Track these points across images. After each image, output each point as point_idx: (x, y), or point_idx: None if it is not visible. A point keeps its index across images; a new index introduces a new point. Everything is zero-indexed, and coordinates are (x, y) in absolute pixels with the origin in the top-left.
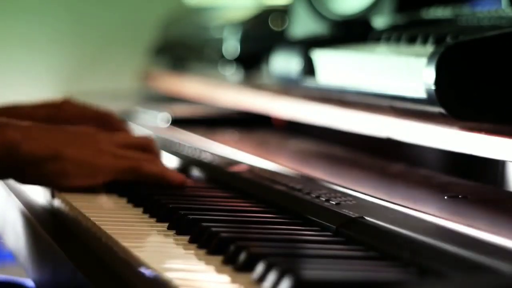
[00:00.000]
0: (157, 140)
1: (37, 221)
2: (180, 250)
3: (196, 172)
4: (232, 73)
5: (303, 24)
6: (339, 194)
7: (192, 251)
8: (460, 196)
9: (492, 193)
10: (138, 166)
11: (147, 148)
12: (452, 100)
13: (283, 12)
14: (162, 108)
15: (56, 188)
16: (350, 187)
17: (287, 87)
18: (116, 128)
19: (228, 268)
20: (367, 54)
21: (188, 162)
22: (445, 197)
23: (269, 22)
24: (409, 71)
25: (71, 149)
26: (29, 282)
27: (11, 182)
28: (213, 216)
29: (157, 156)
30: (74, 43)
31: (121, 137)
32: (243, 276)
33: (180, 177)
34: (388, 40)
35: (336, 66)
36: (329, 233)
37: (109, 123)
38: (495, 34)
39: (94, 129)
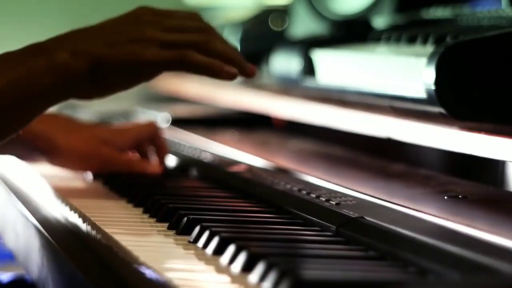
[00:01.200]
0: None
1: (38, 221)
2: (180, 250)
3: (196, 172)
4: None
5: (303, 24)
6: (339, 194)
7: (192, 251)
8: (460, 196)
9: (492, 193)
10: (184, 57)
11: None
12: (452, 100)
13: (283, 12)
14: (162, 108)
15: (108, 96)
16: (350, 187)
17: (287, 87)
18: None
19: (229, 268)
20: (367, 54)
21: (188, 162)
22: (445, 197)
23: (269, 22)
24: (409, 71)
25: (111, 50)
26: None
27: (12, 182)
28: (213, 216)
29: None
30: None
31: (167, 22)
32: (243, 276)
33: (231, 70)
34: (388, 40)
35: (336, 66)
36: (329, 233)
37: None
38: (495, 34)
39: (130, 14)
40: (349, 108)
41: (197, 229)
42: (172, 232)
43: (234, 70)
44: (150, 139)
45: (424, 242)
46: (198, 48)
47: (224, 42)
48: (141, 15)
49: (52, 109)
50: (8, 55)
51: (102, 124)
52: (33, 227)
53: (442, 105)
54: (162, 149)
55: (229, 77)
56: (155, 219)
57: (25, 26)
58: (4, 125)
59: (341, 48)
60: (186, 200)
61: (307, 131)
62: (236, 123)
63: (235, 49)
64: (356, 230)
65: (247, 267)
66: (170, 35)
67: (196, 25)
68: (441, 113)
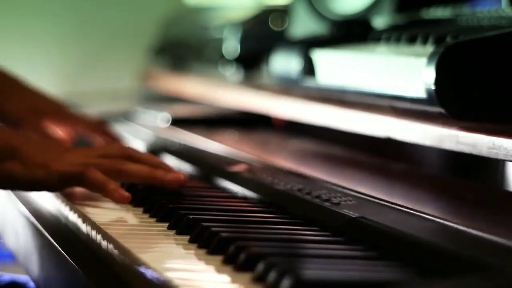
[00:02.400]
0: (152, 141)
1: (38, 221)
2: (180, 250)
3: (196, 172)
4: (232, 73)
5: (303, 24)
6: (339, 194)
7: (192, 251)
8: (460, 196)
9: (492, 193)
10: (85, 174)
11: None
12: (452, 100)
13: (283, 12)
14: (162, 108)
15: (11, 190)
16: (350, 187)
17: (287, 87)
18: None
19: (228, 268)
20: (367, 54)
21: (187, 162)
22: (445, 197)
23: (269, 22)
24: (409, 71)
25: (28, 148)
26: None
27: None
28: (213, 216)
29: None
30: (74, 43)
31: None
32: (243, 276)
33: (124, 194)
34: (388, 40)
35: (336, 66)
36: (329, 233)
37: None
38: (495, 34)
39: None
40: (349, 108)
41: (197, 229)
42: (172, 232)
43: (125, 194)
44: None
45: (424, 242)
46: (110, 170)
47: (146, 160)
48: (68, 147)
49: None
50: None
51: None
52: (33, 227)
53: (442, 105)
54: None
55: (122, 199)
56: (155, 219)
57: (26, 25)
58: None
59: (341, 48)
60: (186, 200)
61: (307, 131)
62: (236, 123)
63: (158, 165)
64: (356, 230)
65: (247, 267)
66: (84, 158)
67: (119, 151)
68: (441, 113)
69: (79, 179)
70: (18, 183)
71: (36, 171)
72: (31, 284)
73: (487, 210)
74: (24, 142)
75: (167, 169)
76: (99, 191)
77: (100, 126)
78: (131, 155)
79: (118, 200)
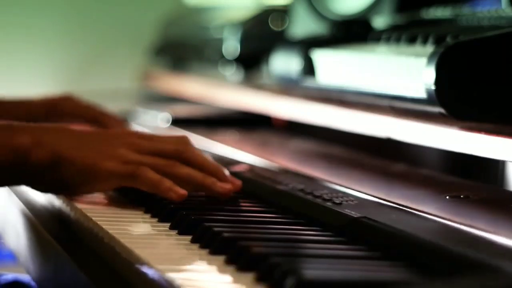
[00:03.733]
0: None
1: (39, 221)
2: (182, 250)
3: None
4: (232, 73)
5: (303, 24)
6: (340, 194)
7: (194, 251)
8: (462, 196)
9: (492, 193)
10: (137, 173)
11: (180, 153)
12: (452, 100)
13: (283, 12)
14: (162, 108)
15: (60, 195)
16: (351, 187)
17: (287, 87)
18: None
19: (231, 268)
20: (367, 54)
21: None
22: (446, 197)
23: (269, 22)
24: (409, 71)
25: (74, 153)
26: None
27: None
28: (215, 216)
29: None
30: (74, 43)
31: (145, 144)
32: (246, 276)
33: (179, 191)
34: (388, 40)
35: (336, 66)
36: (330, 233)
37: (106, 125)
38: (495, 34)
39: (118, 130)
40: (349, 108)
41: (199, 229)
42: (174, 232)
43: (182, 191)
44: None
45: (425, 242)
46: (159, 171)
47: (200, 163)
48: (123, 135)
49: None
50: None
51: None
52: (34, 227)
53: (442, 105)
54: None
55: (177, 197)
56: (157, 219)
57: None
58: None
59: (341, 48)
60: (187, 200)
61: (307, 131)
62: (236, 123)
63: (212, 170)
64: (358, 230)
65: (250, 267)
66: (136, 155)
67: (173, 149)
68: (441, 113)
69: (132, 178)
70: (70, 188)
71: (85, 174)
72: (34, 283)
73: (488, 210)
74: (70, 145)
75: (221, 176)
76: (153, 190)
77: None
78: (186, 158)
79: (175, 198)
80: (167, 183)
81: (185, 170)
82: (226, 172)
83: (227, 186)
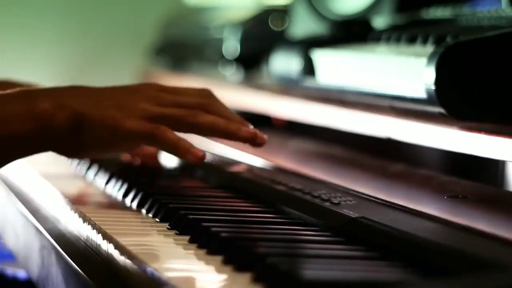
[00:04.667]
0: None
1: (38, 221)
2: (180, 250)
3: (196, 172)
4: (232, 73)
5: (303, 24)
6: (339, 194)
7: (192, 251)
8: (460, 196)
9: (492, 193)
10: (156, 133)
11: (205, 97)
12: (452, 100)
13: (283, 12)
14: None
15: (85, 158)
16: (350, 187)
17: (287, 87)
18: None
19: (228, 268)
20: (367, 54)
21: (188, 162)
22: (445, 197)
23: (269, 22)
24: (409, 71)
25: (95, 112)
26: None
27: (12, 182)
28: (213, 216)
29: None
30: (74, 43)
31: (170, 86)
32: (243, 276)
33: (198, 153)
34: (388, 40)
35: (336, 66)
36: (329, 233)
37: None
38: (495, 34)
39: (135, 84)
40: (349, 108)
41: (197, 229)
42: (172, 232)
43: (200, 152)
44: None
45: (424, 242)
46: (182, 122)
47: (224, 114)
48: (144, 89)
49: None
50: None
51: None
52: (33, 227)
53: (442, 105)
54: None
55: (195, 158)
56: (155, 219)
57: (25, 25)
58: None
59: (341, 48)
60: (186, 200)
61: (307, 131)
62: None
63: (236, 120)
64: (356, 230)
65: (247, 267)
66: (157, 108)
67: (196, 102)
68: (441, 113)
69: (151, 137)
70: (93, 150)
71: (106, 135)
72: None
73: (487, 210)
74: (91, 105)
75: (246, 126)
76: (170, 151)
77: None
78: (209, 110)
79: (192, 160)
80: (186, 144)
81: (209, 118)
82: (251, 126)
83: (251, 130)
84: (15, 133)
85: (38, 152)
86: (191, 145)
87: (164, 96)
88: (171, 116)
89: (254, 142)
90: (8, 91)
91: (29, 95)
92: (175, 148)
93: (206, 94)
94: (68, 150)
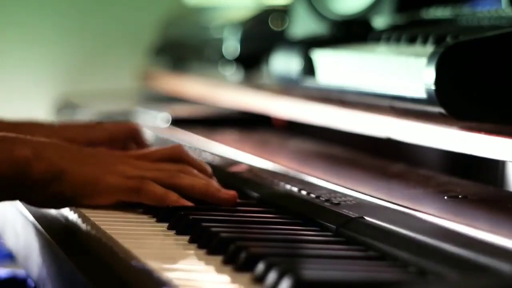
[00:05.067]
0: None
1: (38, 221)
2: (180, 250)
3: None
4: (232, 73)
5: (303, 24)
6: (339, 194)
7: (192, 251)
8: (460, 196)
9: (492, 193)
10: (142, 187)
11: (176, 158)
12: (452, 100)
13: (283, 12)
14: (162, 108)
15: (60, 209)
16: (350, 187)
17: (287, 87)
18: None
19: (228, 268)
20: (367, 54)
21: None
22: (445, 197)
23: (269, 22)
24: (409, 71)
25: (76, 167)
26: (30, 281)
27: None
28: (213, 216)
29: (192, 165)
30: (74, 43)
31: (143, 152)
32: (243, 276)
33: (187, 203)
34: (388, 40)
35: (336, 66)
36: (329, 233)
37: (137, 137)
38: (495, 34)
39: (114, 150)
40: (349, 108)
41: (197, 229)
42: (172, 232)
43: (189, 204)
44: (129, 138)
45: (424, 242)
46: (162, 183)
47: (195, 175)
48: (121, 155)
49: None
50: None
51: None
52: (33, 227)
53: (442, 105)
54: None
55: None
56: (155, 220)
57: (25, 25)
58: None
59: (341, 48)
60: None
61: (307, 131)
62: (236, 123)
63: (208, 174)
64: (356, 230)
65: (247, 267)
66: (137, 171)
67: (168, 153)
68: (441, 113)
69: (136, 192)
70: (70, 202)
71: (87, 188)
72: (30, 280)
73: (487, 210)
74: (71, 160)
75: (212, 177)
76: (159, 204)
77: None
78: (183, 159)
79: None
80: (173, 196)
81: (188, 181)
82: (214, 180)
83: (231, 192)
84: None
85: (12, 200)
86: (178, 197)
87: (140, 160)
88: (151, 178)
89: (229, 204)
90: None
91: (10, 140)
92: (163, 201)
93: (178, 147)
94: (42, 201)
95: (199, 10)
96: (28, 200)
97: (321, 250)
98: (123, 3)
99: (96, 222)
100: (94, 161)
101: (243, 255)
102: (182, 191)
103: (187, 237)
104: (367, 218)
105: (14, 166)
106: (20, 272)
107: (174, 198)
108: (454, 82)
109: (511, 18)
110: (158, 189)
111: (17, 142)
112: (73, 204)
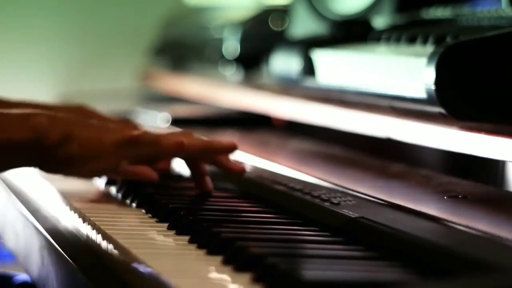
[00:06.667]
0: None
1: (38, 221)
2: (180, 250)
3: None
4: (232, 73)
5: (303, 24)
6: (339, 194)
7: (192, 251)
8: (460, 196)
9: (492, 193)
10: (139, 137)
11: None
12: (452, 100)
13: (283, 12)
14: (162, 108)
15: (70, 175)
16: (350, 187)
17: (287, 87)
18: None
19: (228, 268)
20: (367, 54)
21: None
22: (445, 197)
23: (269, 22)
24: (409, 71)
25: (83, 130)
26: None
27: (12, 182)
28: (213, 216)
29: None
30: (74, 43)
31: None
32: (243, 276)
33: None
34: (388, 40)
35: (336, 66)
36: (328, 233)
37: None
38: (495, 34)
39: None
40: (349, 108)
41: (197, 229)
42: (172, 232)
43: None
44: None
45: (424, 242)
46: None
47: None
48: (124, 123)
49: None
50: None
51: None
52: (33, 227)
53: (442, 105)
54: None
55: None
56: (155, 220)
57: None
58: None
59: (341, 48)
60: (186, 200)
61: (307, 131)
62: (236, 123)
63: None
64: (356, 230)
65: (247, 267)
66: (138, 131)
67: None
68: (441, 113)
69: (134, 142)
70: (78, 165)
71: (93, 148)
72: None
73: (487, 210)
74: (80, 124)
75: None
76: (154, 149)
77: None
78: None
79: (175, 151)
80: (166, 138)
81: (191, 139)
82: None
83: (230, 141)
84: (12, 139)
85: (26, 165)
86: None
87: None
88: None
89: (229, 150)
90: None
91: (26, 108)
92: (157, 144)
93: (187, 131)
94: (52, 165)
95: (199, 10)
96: (41, 165)
97: (321, 250)
98: (123, 3)
99: (96, 222)
100: (99, 125)
101: (243, 255)
102: (186, 149)
103: (187, 237)
104: (367, 218)
105: (33, 131)
106: (21, 273)
107: (165, 141)
108: (454, 82)
109: (511, 18)
110: (154, 136)
111: (35, 110)
112: (80, 168)
